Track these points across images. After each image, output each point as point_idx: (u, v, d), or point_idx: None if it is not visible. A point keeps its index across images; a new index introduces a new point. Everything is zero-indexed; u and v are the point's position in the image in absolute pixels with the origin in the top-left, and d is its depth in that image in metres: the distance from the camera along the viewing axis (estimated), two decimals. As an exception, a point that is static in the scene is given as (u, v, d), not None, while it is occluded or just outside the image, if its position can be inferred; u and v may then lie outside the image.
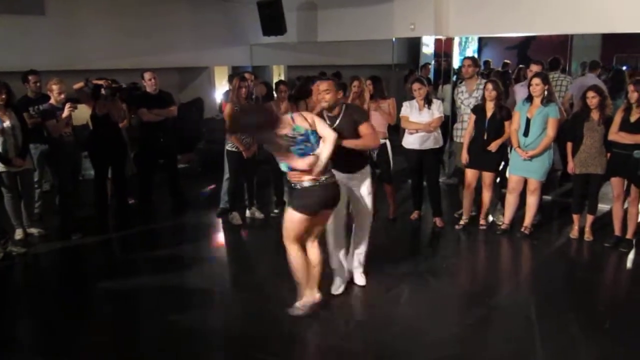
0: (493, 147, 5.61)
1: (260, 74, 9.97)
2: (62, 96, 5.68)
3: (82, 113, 5.97)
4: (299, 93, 6.62)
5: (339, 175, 4.05)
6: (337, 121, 4.07)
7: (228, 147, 6.10)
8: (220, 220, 6.38)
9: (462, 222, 6.02)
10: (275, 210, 6.49)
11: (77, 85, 5.76)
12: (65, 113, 5.58)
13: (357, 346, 3.77)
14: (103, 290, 4.69)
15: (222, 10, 9.70)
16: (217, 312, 4.28)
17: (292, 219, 3.86)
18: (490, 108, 5.62)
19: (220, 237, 6.11)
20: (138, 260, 5.38)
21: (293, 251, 3.93)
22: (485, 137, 5.64)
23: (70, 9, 7.90)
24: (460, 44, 13.87)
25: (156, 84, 6.48)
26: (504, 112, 5.61)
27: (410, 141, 6.01)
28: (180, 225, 6.38)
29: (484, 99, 5.70)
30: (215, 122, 9.11)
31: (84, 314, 4.28)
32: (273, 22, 8.85)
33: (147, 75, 6.47)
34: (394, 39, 8.65)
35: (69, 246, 5.65)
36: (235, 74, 6.49)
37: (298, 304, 4.03)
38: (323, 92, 4.07)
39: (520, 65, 9.92)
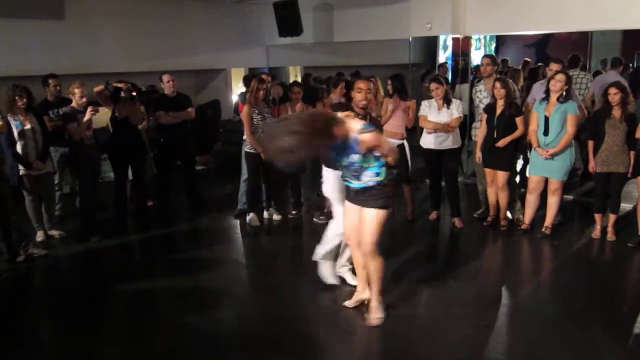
0: (501, 143, 5.54)
1: (277, 75, 10.00)
2: (84, 100, 5.74)
3: (102, 116, 6.03)
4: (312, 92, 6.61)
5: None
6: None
7: (246, 148, 6.11)
8: (237, 222, 6.40)
9: (488, 219, 5.96)
10: (293, 212, 6.49)
11: (97, 88, 5.82)
12: (87, 117, 5.64)
13: (375, 347, 3.74)
14: (122, 291, 4.73)
15: (238, 11, 9.74)
16: (233, 313, 4.29)
17: (382, 220, 3.75)
18: (500, 106, 5.58)
19: (238, 239, 6.12)
20: (156, 262, 5.41)
21: (379, 257, 3.82)
22: (494, 135, 5.59)
23: (89, 13, 8.00)
24: (478, 42, 13.79)
25: (174, 87, 6.53)
26: (514, 108, 5.56)
27: (428, 141, 5.97)
28: (197, 227, 6.40)
29: (494, 97, 5.65)
30: (232, 123, 9.15)
31: (103, 316, 4.31)
32: (289, 23, 8.86)
33: (165, 78, 6.52)
34: (410, 39, 8.60)
35: (88, 248, 5.71)
36: (252, 76, 6.49)
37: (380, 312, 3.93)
38: (365, 91, 4.05)
39: (539, 64, 9.81)
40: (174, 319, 4.14)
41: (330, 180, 4.33)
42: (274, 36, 9.37)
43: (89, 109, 5.64)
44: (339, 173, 3.97)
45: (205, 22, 9.42)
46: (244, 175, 6.34)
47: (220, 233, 6.18)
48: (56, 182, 6.22)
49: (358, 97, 4.08)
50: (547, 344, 3.73)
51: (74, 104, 5.75)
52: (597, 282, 4.80)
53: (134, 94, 5.87)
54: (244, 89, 8.32)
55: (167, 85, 6.50)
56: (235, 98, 9.98)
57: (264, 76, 6.44)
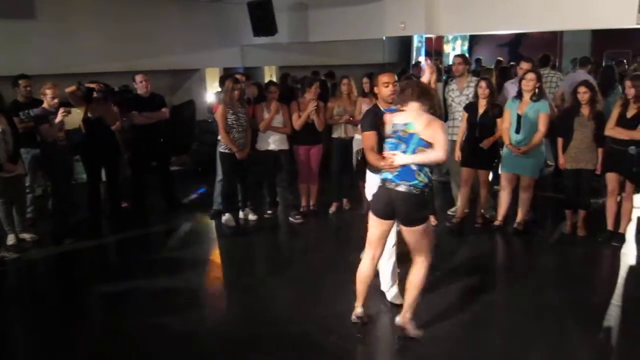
0: (486, 144, 5.63)
1: (252, 75, 9.97)
2: (56, 100, 5.66)
3: (75, 117, 5.96)
4: (290, 92, 6.62)
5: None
6: None
7: (221, 148, 6.09)
8: (213, 223, 6.37)
9: (454, 220, 6.03)
10: (269, 212, 6.49)
11: (69, 89, 5.75)
12: (59, 118, 5.56)
13: (352, 345, 3.76)
14: (97, 294, 4.69)
15: (212, 11, 9.69)
16: (211, 314, 4.29)
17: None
18: (482, 105, 5.65)
19: (214, 240, 6.10)
20: (132, 263, 5.36)
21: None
22: (477, 135, 5.66)
23: (61, 12, 7.89)
24: (454, 42, 13.95)
25: (147, 87, 6.48)
26: (496, 109, 5.63)
27: (403, 139, 6.01)
28: (173, 228, 6.36)
29: (476, 96, 5.71)
30: (207, 124, 9.10)
31: (77, 319, 4.26)
32: (264, 23, 8.85)
33: (138, 78, 6.47)
34: (384, 38, 8.66)
35: (62, 251, 5.64)
36: (227, 76, 6.47)
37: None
38: (392, 84, 3.97)
39: (512, 63, 9.96)
40: (150, 321, 4.11)
41: (372, 185, 4.18)
42: (249, 36, 9.34)
43: (61, 110, 5.57)
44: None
45: (180, 22, 9.35)
46: (219, 175, 6.32)
47: (196, 234, 6.15)
48: (27, 184, 6.13)
49: (386, 91, 3.99)
50: (522, 336, 3.82)
51: (45, 105, 5.67)
52: (568, 276, 4.89)
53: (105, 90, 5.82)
54: (219, 89, 8.30)
55: (140, 86, 6.46)
56: (210, 98, 9.93)
57: (238, 76, 6.44)
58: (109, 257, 5.76)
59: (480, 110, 5.66)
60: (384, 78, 4.04)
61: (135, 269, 5.19)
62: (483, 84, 5.63)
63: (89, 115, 5.88)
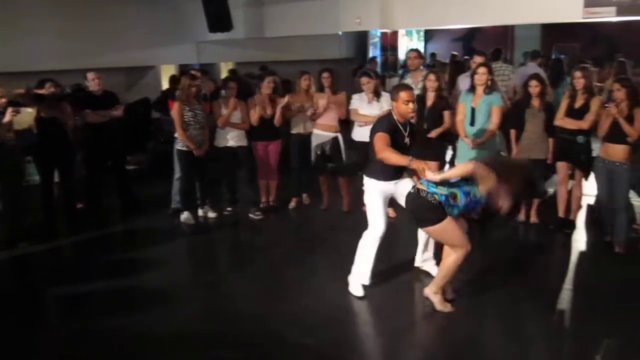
0: (433, 134, 5.70)
1: (209, 72, 9.87)
2: (3, 100, 5.47)
3: (25, 116, 5.76)
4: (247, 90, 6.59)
5: (388, 185, 4.20)
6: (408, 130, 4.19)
7: (178, 146, 6.02)
8: (172, 221, 6.29)
9: None
10: (229, 209, 6.45)
11: (17, 91, 5.57)
12: (7, 118, 5.37)
13: (318, 337, 3.79)
14: (53, 297, 4.59)
15: (167, 7, 9.56)
16: (172, 312, 4.23)
17: None
18: (430, 98, 5.73)
19: (173, 238, 5.99)
20: (89, 265, 5.24)
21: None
22: (425, 127, 5.75)
23: (11, 9, 7.63)
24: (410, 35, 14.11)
25: (100, 84, 6.32)
26: (444, 102, 5.75)
27: (360, 133, 6.06)
28: (131, 228, 6.26)
29: (424, 89, 5.80)
30: (163, 121, 8.96)
31: (34, 324, 4.15)
32: (219, 19, 8.79)
33: (90, 76, 6.31)
34: (340, 33, 8.71)
35: (15, 255, 5.46)
36: (180, 74, 6.40)
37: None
38: (412, 102, 4.11)
39: (466, 57, 10.15)
40: (110, 322, 4.05)
41: (372, 191, 4.30)
42: (205, 32, 9.26)
43: (10, 109, 5.39)
44: (382, 184, 4.18)
45: (134, 19, 9.20)
46: (177, 173, 6.25)
47: (154, 233, 6.05)
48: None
49: (407, 109, 4.09)
50: (477, 319, 3.95)
51: (-8, 104, 5.47)
52: (522, 261, 5.04)
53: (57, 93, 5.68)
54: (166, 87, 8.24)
55: (92, 83, 6.30)
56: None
57: (194, 72, 6.37)
58: (65, 259, 5.61)
59: (429, 103, 5.75)
60: (405, 95, 4.10)
61: (93, 271, 5.08)
62: (431, 76, 5.73)
63: (42, 115, 5.71)
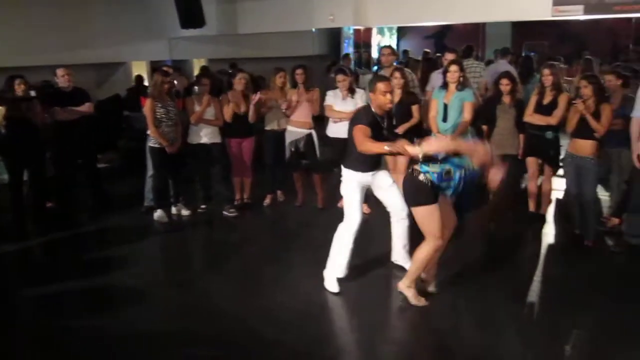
0: (400, 130, 5.75)
1: (181, 68, 9.77)
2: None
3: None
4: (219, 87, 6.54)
5: (366, 176, 4.24)
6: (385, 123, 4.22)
7: (150, 143, 5.95)
8: (145, 219, 6.22)
9: None
10: (202, 206, 6.41)
11: None
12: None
13: (292, 335, 3.79)
14: (25, 297, 4.49)
15: (138, 3, 9.43)
16: (146, 311, 4.19)
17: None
18: (397, 94, 5.77)
19: (146, 236, 5.92)
20: (60, 265, 5.15)
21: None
22: (393, 122, 5.79)
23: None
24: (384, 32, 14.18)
25: (70, 81, 6.21)
26: (411, 97, 5.81)
27: (335, 130, 6.09)
28: (103, 227, 6.16)
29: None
30: (132, 118, 8.84)
31: (6, 324, 4.07)
32: (191, 15, 8.71)
33: (59, 72, 6.18)
34: (314, 30, 8.72)
35: (-17, 255, 5.34)
36: (143, 75, 6.32)
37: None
38: (390, 93, 4.11)
39: (438, 54, 10.26)
40: (83, 322, 3.99)
41: (349, 181, 4.31)
42: (177, 28, 9.16)
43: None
44: (360, 175, 4.21)
45: (105, 14, 9.04)
46: (150, 171, 6.18)
47: (127, 231, 5.97)
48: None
49: (385, 100, 4.10)
50: (452, 311, 4.01)
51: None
52: (494, 256, 5.11)
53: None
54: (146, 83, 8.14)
55: (62, 80, 6.17)
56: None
57: (166, 69, 6.30)
58: (35, 259, 5.51)
59: (396, 99, 5.78)
60: (383, 87, 4.10)
61: (65, 271, 4.99)
62: (397, 74, 5.78)
63: (12, 113, 5.59)
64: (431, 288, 4.21)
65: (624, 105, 5.17)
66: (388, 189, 4.40)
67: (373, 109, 4.16)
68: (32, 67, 7.39)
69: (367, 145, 3.94)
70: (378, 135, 4.05)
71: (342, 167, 4.34)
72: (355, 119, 4.17)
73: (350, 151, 4.22)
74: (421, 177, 3.82)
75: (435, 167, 3.82)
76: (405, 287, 4.10)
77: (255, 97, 6.08)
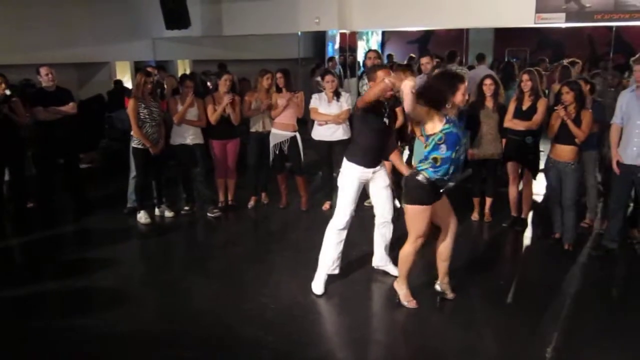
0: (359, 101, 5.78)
1: (165, 69, 9.71)
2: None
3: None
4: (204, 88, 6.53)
5: (366, 172, 4.26)
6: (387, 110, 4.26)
7: (134, 144, 5.91)
8: (128, 221, 6.18)
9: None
10: (186, 208, 6.38)
11: None
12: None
13: (274, 335, 3.79)
14: (4, 299, 4.41)
15: (122, 2, 9.36)
16: (128, 312, 4.16)
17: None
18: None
19: (129, 238, 5.88)
20: (41, 265, 5.10)
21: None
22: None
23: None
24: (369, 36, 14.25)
25: (53, 80, 6.15)
26: (393, 100, 5.82)
27: (320, 133, 6.12)
28: (84, 228, 6.11)
29: None
30: (117, 119, 8.78)
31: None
32: (176, 15, 8.67)
33: (43, 71, 6.11)
34: (299, 33, 8.74)
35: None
36: (137, 70, 6.29)
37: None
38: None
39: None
40: (64, 324, 3.95)
41: (349, 175, 4.31)
42: (161, 29, 9.11)
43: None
44: (361, 170, 4.22)
45: (88, 13, 8.96)
46: (133, 172, 6.14)
47: (109, 232, 5.91)
48: None
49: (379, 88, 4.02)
50: (435, 316, 4.04)
51: None
52: (476, 259, 5.17)
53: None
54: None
55: (45, 79, 6.11)
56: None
57: (150, 69, 6.27)
58: (15, 260, 5.43)
59: None
60: (382, 74, 4.13)
61: (45, 271, 4.94)
62: None
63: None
64: (449, 295, 4.21)
65: (592, 109, 5.26)
66: (382, 189, 4.43)
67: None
68: (13, 66, 7.30)
69: (369, 95, 3.96)
70: (378, 124, 4.12)
71: (345, 159, 4.34)
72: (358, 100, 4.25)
73: (355, 142, 4.29)
74: (419, 176, 3.82)
75: (426, 164, 3.80)
76: (398, 285, 4.16)
77: (237, 101, 6.08)
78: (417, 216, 3.90)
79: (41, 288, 4.57)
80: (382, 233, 4.60)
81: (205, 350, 3.62)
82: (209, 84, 8.36)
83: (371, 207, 6.33)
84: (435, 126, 3.73)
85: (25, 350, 3.67)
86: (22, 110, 5.85)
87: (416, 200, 3.87)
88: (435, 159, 3.76)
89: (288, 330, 3.85)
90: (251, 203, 6.61)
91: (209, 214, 6.25)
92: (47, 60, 6.92)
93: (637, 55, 4.67)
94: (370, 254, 4.79)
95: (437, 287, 4.20)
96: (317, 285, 4.36)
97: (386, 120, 4.23)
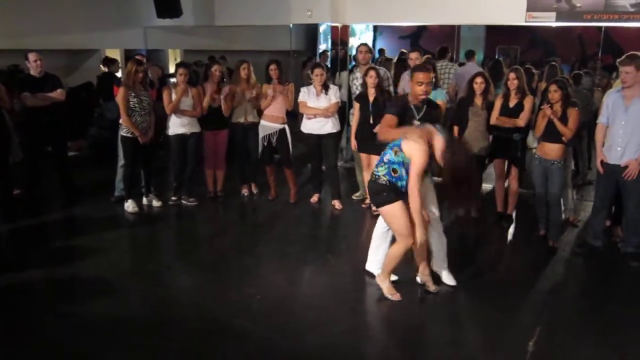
0: (377, 128, 5.80)
1: (156, 58, 9.68)
2: None
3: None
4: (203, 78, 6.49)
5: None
6: (422, 113, 4.23)
7: (122, 132, 5.89)
8: (116, 209, 6.16)
9: (366, 202, 6.19)
10: (173, 198, 6.37)
11: None
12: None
13: (260, 326, 3.81)
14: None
15: (113, -11, 9.27)
16: (116, 302, 4.16)
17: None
18: (372, 94, 5.82)
19: (117, 226, 5.86)
20: (28, 253, 5.06)
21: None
22: (371, 122, 5.83)
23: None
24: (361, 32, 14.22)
25: (42, 66, 6.08)
26: (386, 95, 5.87)
27: (309, 126, 6.13)
28: (72, 216, 6.09)
29: (365, 85, 5.90)
30: (106, 107, 8.70)
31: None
32: (168, 4, 8.60)
33: (31, 57, 6.04)
34: (291, 25, 8.72)
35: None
36: (127, 59, 6.25)
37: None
38: (425, 85, 4.14)
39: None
40: (49, 313, 3.94)
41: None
42: (153, 17, 9.03)
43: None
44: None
45: (78, -1, 8.86)
46: (121, 160, 6.11)
47: (97, 221, 5.89)
48: None
49: (419, 90, 4.16)
50: (419, 308, 4.09)
51: None
52: (460, 254, 5.18)
53: None
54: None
55: (33, 65, 6.04)
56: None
57: (139, 57, 6.23)
58: (1, 247, 5.40)
59: (371, 99, 5.84)
60: (420, 76, 4.16)
61: (32, 259, 4.90)
62: (372, 72, 5.82)
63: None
64: (432, 288, 4.26)
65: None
66: None
67: (409, 98, 4.26)
68: (1, 51, 7.21)
69: (384, 134, 4.08)
70: (406, 124, 4.14)
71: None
72: (386, 107, 4.32)
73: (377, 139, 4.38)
74: (380, 179, 3.93)
75: (383, 169, 3.93)
76: (381, 280, 4.21)
77: (224, 91, 6.08)
78: (391, 216, 3.98)
79: (27, 276, 4.55)
80: (376, 238, 4.53)
81: (191, 341, 3.63)
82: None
83: (359, 200, 6.43)
84: (414, 154, 3.82)
85: (10, 339, 3.65)
86: (5, 96, 5.79)
87: (383, 200, 3.96)
88: (395, 170, 3.90)
89: (274, 321, 3.88)
90: (245, 192, 6.65)
91: (183, 202, 6.29)
92: (36, 45, 6.83)
93: (623, 57, 4.70)
94: (357, 246, 4.82)
95: (418, 279, 4.31)
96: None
97: (417, 121, 4.25)
